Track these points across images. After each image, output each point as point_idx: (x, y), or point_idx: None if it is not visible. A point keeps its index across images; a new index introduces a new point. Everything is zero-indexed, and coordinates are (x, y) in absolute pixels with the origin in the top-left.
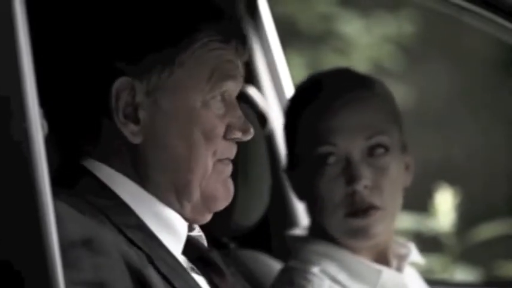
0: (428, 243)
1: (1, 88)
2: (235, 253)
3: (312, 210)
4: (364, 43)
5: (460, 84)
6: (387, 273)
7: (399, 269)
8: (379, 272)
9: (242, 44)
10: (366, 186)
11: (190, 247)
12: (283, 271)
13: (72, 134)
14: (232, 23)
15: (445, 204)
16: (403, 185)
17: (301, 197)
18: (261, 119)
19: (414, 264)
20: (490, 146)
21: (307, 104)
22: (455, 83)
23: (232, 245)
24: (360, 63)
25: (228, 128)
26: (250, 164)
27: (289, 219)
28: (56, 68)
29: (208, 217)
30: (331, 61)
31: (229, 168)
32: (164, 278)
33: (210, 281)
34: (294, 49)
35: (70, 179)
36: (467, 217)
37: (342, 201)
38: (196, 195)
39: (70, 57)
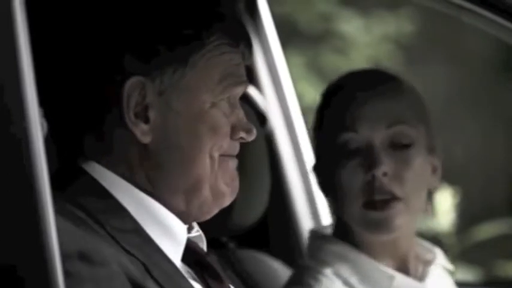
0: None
1: (0, 87)
2: (234, 253)
3: (334, 206)
4: (363, 42)
5: (460, 84)
6: (401, 280)
7: (423, 275)
8: (392, 277)
9: (248, 48)
10: (385, 174)
11: (188, 251)
12: (297, 268)
13: (74, 134)
14: (240, 27)
15: (445, 203)
16: (429, 186)
17: (325, 192)
18: (261, 118)
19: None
20: (490, 146)
21: (333, 96)
22: (455, 83)
23: (231, 245)
24: (359, 63)
25: (233, 129)
26: (250, 163)
27: (289, 219)
28: (63, 66)
29: (214, 213)
30: (331, 60)
31: (234, 163)
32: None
33: (207, 287)
34: (294, 49)
35: (65, 181)
36: (467, 217)
37: (361, 190)
38: (206, 191)
39: (79, 55)
